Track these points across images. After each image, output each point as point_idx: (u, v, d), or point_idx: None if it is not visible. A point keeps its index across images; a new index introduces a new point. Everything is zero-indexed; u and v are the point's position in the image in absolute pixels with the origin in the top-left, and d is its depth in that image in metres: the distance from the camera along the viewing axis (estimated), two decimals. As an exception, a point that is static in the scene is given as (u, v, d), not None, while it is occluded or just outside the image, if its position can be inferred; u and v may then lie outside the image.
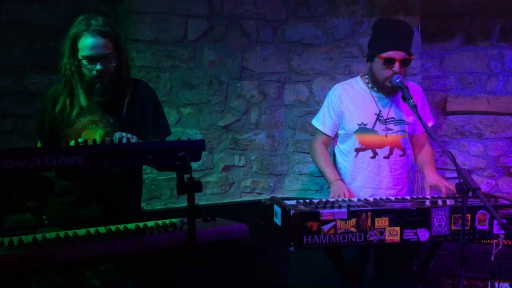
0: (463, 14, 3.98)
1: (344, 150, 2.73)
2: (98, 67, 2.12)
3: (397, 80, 2.46)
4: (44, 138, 2.26)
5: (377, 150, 2.62)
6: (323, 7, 3.77)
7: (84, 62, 2.13)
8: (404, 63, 2.50)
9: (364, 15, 3.69)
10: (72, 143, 1.76)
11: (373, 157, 2.63)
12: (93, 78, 2.15)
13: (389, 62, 2.49)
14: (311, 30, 3.80)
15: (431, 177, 2.57)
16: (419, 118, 2.32)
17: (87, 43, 2.11)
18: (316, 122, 2.80)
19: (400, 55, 2.48)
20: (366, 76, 2.69)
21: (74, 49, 2.14)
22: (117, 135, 2.02)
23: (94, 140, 1.65)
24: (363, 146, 2.64)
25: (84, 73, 2.16)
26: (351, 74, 3.68)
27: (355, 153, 2.66)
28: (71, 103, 2.21)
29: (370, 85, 2.66)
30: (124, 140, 1.73)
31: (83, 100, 2.22)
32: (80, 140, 2.01)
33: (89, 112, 2.22)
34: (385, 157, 2.63)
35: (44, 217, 2.43)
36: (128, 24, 3.39)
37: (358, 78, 2.73)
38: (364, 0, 3.68)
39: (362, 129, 2.63)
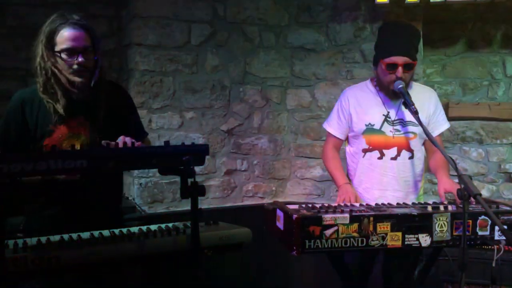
0: (465, 21, 3.99)
1: (352, 151, 2.74)
2: (80, 59, 2.01)
3: (399, 87, 2.46)
4: (9, 146, 2.08)
5: (384, 151, 2.62)
6: (326, 13, 3.79)
7: (63, 55, 2.01)
8: (408, 67, 2.51)
9: (366, 21, 3.71)
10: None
11: (380, 158, 2.63)
12: (73, 73, 2.03)
13: (391, 67, 2.50)
14: (313, 36, 3.82)
15: (445, 182, 2.50)
16: (420, 124, 2.33)
17: (66, 35, 2.00)
18: (327, 125, 2.81)
19: (403, 60, 2.48)
20: (376, 79, 2.71)
21: (51, 45, 2.02)
22: (121, 138, 1.96)
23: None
24: (370, 147, 2.64)
25: (63, 70, 2.04)
26: (353, 79, 3.70)
27: (363, 153, 2.67)
28: (49, 110, 2.06)
29: (378, 88, 2.68)
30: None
31: (61, 106, 2.06)
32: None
33: (69, 118, 2.09)
34: (392, 158, 2.62)
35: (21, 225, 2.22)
36: (132, 29, 3.42)
37: (368, 81, 2.75)
38: (366, 6, 3.70)
39: (370, 129, 2.63)
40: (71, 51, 2.01)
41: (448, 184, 2.49)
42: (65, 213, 2.09)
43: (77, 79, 2.05)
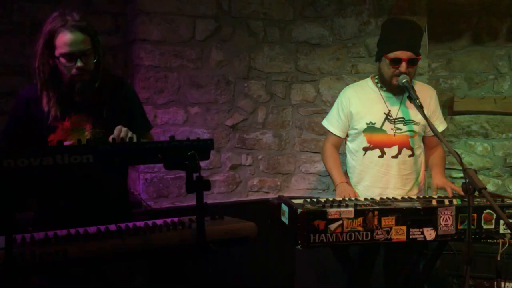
0: (470, 14, 3.97)
1: (353, 149, 2.74)
2: (79, 64, 2.00)
3: (403, 81, 2.46)
4: (16, 144, 2.10)
5: (385, 149, 2.63)
6: (330, 7, 3.78)
7: (62, 60, 2.01)
8: (411, 62, 2.50)
9: (371, 15, 3.70)
10: None
11: (380, 156, 2.63)
12: (73, 76, 2.03)
13: (395, 62, 2.50)
14: (318, 30, 3.81)
15: (438, 179, 2.58)
16: (425, 118, 2.33)
17: (65, 39, 1.98)
18: (326, 123, 2.81)
19: (407, 55, 2.48)
20: (376, 77, 2.70)
21: (50, 47, 2.01)
22: (116, 131, 1.96)
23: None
24: (371, 145, 2.65)
25: (63, 73, 2.04)
26: (358, 74, 3.69)
27: (364, 152, 2.67)
28: (51, 108, 2.07)
29: (379, 85, 2.67)
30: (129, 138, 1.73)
31: (63, 103, 2.08)
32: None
33: (71, 115, 2.11)
34: (393, 157, 2.63)
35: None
36: (136, 24, 3.42)
37: (368, 79, 2.74)
38: (371, 0, 3.69)
39: (371, 128, 2.64)
40: (70, 56, 2.00)
41: (440, 180, 2.57)
42: (73, 208, 2.11)
43: (77, 82, 2.05)
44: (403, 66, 2.48)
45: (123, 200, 2.37)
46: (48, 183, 2.02)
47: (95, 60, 2.07)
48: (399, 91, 2.58)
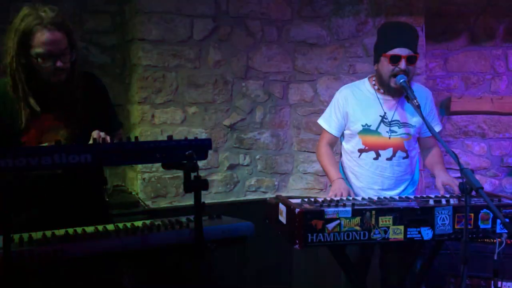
0: (467, 14, 3.98)
1: (348, 150, 2.75)
2: (58, 64, 1.92)
3: (401, 80, 2.46)
4: None
5: (379, 151, 2.64)
6: (328, 7, 3.79)
7: (40, 60, 1.91)
8: (410, 60, 2.50)
9: (368, 15, 3.71)
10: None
11: (375, 159, 2.64)
12: (50, 76, 1.96)
13: (395, 59, 2.49)
14: (315, 30, 3.82)
15: (443, 176, 2.56)
16: (423, 118, 2.33)
17: (43, 39, 1.89)
18: (322, 122, 2.82)
19: (406, 52, 2.49)
20: (374, 78, 2.70)
21: (25, 46, 1.91)
22: (94, 134, 1.91)
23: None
24: (366, 147, 2.66)
25: (38, 72, 1.95)
26: (355, 74, 3.70)
27: (359, 153, 2.68)
28: (23, 107, 1.97)
29: (376, 87, 2.67)
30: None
31: (35, 102, 1.98)
32: (45, 144, 1.87)
33: (45, 114, 2.01)
34: (387, 159, 2.64)
35: None
36: (134, 24, 3.42)
37: (365, 80, 2.74)
38: (369, 0, 3.70)
39: (366, 130, 2.64)
40: (48, 56, 1.92)
41: (445, 178, 2.55)
42: (47, 211, 2.05)
43: (54, 81, 1.98)
44: (402, 63, 2.48)
45: (101, 200, 2.32)
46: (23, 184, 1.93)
47: (73, 59, 2.00)
48: (396, 93, 2.59)
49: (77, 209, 2.07)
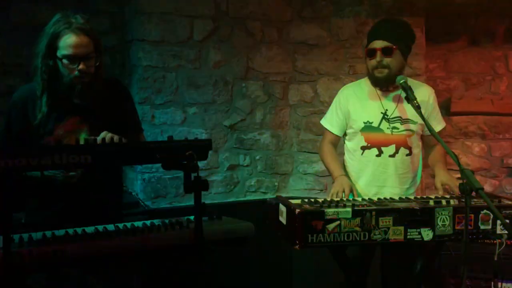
0: (467, 15, 3.98)
1: (351, 148, 2.75)
2: (81, 66, 2.01)
3: (401, 81, 2.46)
4: (12, 144, 2.09)
5: (382, 148, 2.64)
6: (328, 8, 3.79)
7: (65, 61, 2.01)
8: (386, 52, 2.52)
9: (368, 16, 3.71)
10: None
11: (378, 155, 2.64)
12: (74, 79, 2.04)
13: (371, 53, 2.56)
14: (316, 31, 3.82)
15: (443, 175, 2.55)
16: (423, 118, 2.33)
17: (69, 41, 1.99)
18: (324, 121, 2.83)
19: (380, 44, 2.52)
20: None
21: (53, 48, 2.01)
22: (103, 134, 1.94)
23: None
24: (369, 144, 2.66)
25: (63, 74, 2.04)
26: (355, 75, 3.70)
27: (361, 151, 2.68)
28: (50, 109, 2.07)
29: (373, 84, 2.68)
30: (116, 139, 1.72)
31: (61, 105, 2.09)
32: None
33: (69, 117, 2.11)
34: (390, 156, 2.64)
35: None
36: (135, 24, 3.42)
37: (365, 79, 2.76)
38: (369, 1, 3.70)
39: (368, 127, 2.65)
40: (73, 58, 2.01)
41: (445, 177, 2.54)
42: (65, 210, 2.10)
43: (77, 84, 2.05)
44: (377, 55, 2.51)
45: (117, 203, 2.36)
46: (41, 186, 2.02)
47: (97, 64, 2.08)
48: (386, 84, 2.61)
49: (96, 209, 2.10)
